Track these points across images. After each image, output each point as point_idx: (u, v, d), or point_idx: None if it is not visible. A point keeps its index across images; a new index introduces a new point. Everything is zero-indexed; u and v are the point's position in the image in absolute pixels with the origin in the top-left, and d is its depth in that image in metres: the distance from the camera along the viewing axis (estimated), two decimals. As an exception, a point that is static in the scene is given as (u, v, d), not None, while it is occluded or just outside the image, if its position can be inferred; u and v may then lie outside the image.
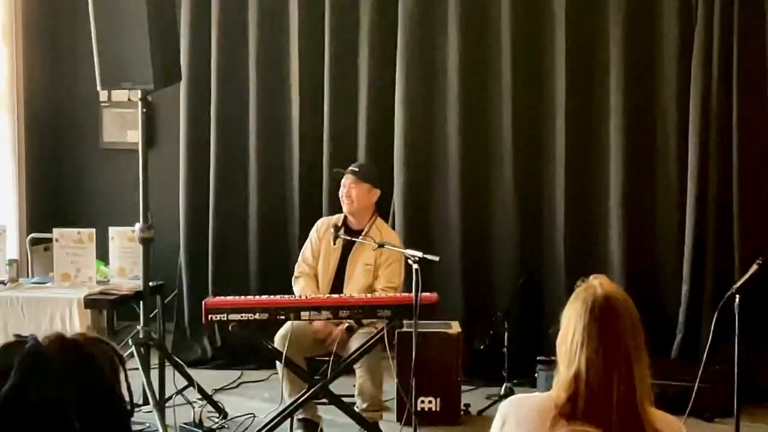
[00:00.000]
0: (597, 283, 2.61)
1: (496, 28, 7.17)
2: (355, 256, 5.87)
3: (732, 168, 6.78)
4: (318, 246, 5.97)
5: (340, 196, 5.99)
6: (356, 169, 6.01)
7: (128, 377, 1.81)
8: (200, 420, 5.87)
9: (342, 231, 5.81)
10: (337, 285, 5.87)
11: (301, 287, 5.95)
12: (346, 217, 5.97)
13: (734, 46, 6.74)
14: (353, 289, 5.80)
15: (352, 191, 5.91)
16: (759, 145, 6.78)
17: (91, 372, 1.69)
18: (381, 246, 5.58)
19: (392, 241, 5.85)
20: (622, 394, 2.50)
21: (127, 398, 1.75)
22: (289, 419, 5.72)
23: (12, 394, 1.62)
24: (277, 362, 5.65)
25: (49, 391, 1.63)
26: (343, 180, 5.99)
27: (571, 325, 2.57)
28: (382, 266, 5.85)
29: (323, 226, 6.03)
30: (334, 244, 5.82)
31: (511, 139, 7.16)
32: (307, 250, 6.05)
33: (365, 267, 5.85)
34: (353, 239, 5.79)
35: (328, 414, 5.85)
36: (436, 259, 5.35)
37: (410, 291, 5.18)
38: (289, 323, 5.65)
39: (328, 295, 5.65)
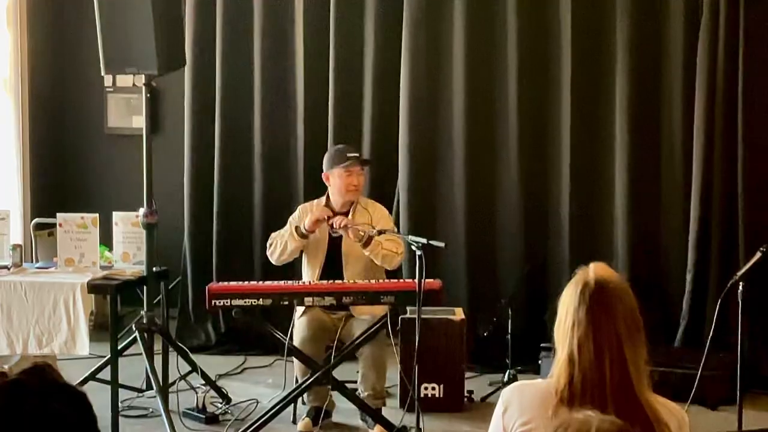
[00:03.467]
0: (591, 268, 2.62)
1: (503, 12, 7.14)
2: (348, 237, 5.77)
3: (737, 156, 6.75)
4: None
5: (346, 184, 5.80)
6: (357, 154, 5.93)
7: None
8: (203, 405, 5.89)
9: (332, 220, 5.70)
10: (329, 268, 5.77)
11: (277, 243, 5.81)
12: (327, 198, 5.88)
13: (740, 33, 6.70)
14: (354, 271, 5.74)
15: (361, 180, 5.85)
16: (765, 133, 6.75)
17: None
18: (381, 233, 5.57)
19: (381, 214, 5.86)
20: (615, 376, 2.50)
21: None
22: (292, 405, 5.74)
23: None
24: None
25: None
26: (353, 168, 5.81)
27: (564, 309, 2.59)
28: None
29: (305, 210, 5.89)
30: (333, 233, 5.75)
31: (517, 127, 7.14)
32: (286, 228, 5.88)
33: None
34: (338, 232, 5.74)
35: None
36: (442, 245, 5.34)
37: (413, 273, 5.17)
38: (303, 318, 5.67)
39: (332, 281, 5.63)
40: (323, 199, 5.92)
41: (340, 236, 5.77)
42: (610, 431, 1.74)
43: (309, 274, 5.83)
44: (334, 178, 5.82)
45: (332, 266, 5.78)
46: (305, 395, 5.79)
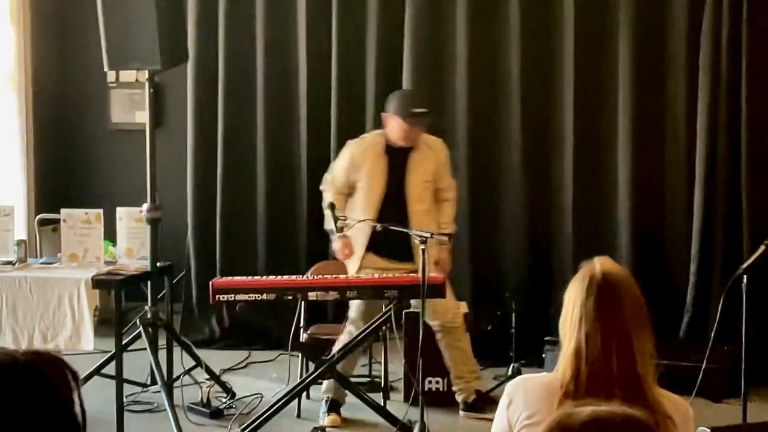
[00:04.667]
0: (596, 262, 2.63)
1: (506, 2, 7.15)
2: (414, 175, 5.77)
3: (741, 147, 6.74)
4: (353, 174, 5.78)
5: (403, 137, 5.72)
6: (426, 111, 5.76)
7: (81, 395, 1.74)
8: (208, 400, 5.89)
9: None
10: (390, 202, 5.74)
11: (330, 199, 5.77)
12: (385, 136, 5.80)
13: (743, 15, 6.69)
14: (417, 208, 5.74)
15: (420, 133, 5.77)
16: (768, 124, 6.75)
17: (43, 392, 1.65)
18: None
19: (441, 146, 5.91)
20: (623, 369, 2.51)
21: (80, 417, 1.70)
22: (296, 400, 5.75)
23: None
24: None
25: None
26: (416, 124, 5.70)
27: (570, 303, 2.60)
28: (441, 178, 5.87)
29: (359, 150, 5.81)
30: (337, 231, 5.70)
31: (520, 119, 7.14)
32: (338, 170, 5.86)
33: (425, 184, 5.80)
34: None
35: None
36: (445, 239, 5.34)
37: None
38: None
39: (336, 275, 5.62)
40: (377, 135, 5.84)
41: (404, 173, 5.75)
42: (610, 419, 1.72)
43: (368, 206, 5.74)
44: (393, 125, 5.74)
45: (394, 195, 5.76)
46: (322, 390, 5.81)
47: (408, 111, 5.69)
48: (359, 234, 5.76)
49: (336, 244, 5.81)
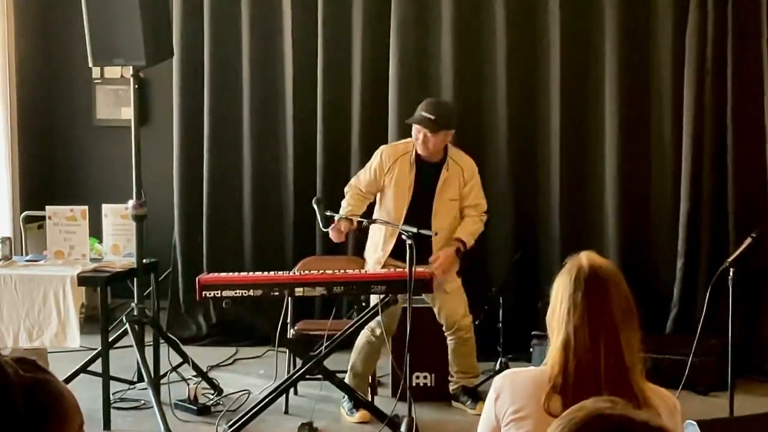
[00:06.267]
0: (583, 256, 2.63)
1: (491, 7, 7.12)
2: (442, 192, 5.81)
3: (727, 143, 6.75)
4: (381, 177, 5.78)
5: (414, 138, 5.76)
6: (431, 117, 5.67)
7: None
8: (195, 397, 5.88)
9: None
10: (414, 214, 5.74)
11: (348, 202, 5.80)
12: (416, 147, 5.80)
13: (728, 16, 6.70)
14: (441, 224, 5.75)
15: (428, 142, 5.71)
16: (753, 119, 6.75)
17: None
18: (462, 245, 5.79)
19: (470, 166, 5.92)
20: (611, 362, 2.51)
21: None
22: (283, 396, 5.74)
23: None
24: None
25: None
26: (419, 126, 5.71)
27: (558, 296, 2.60)
28: (467, 197, 5.88)
29: (390, 156, 5.81)
30: (359, 230, 5.79)
31: (506, 114, 7.13)
32: (365, 175, 5.85)
33: (450, 203, 5.83)
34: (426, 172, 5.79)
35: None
36: (431, 233, 5.34)
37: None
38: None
39: (323, 271, 5.62)
40: (409, 144, 5.82)
41: (432, 188, 5.79)
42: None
43: (392, 215, 5.76)
44: (413, 130, 5.80)
45: (418, 208, 5.79)
46: (347, 379, 5.83)
47: (416, 116, 5.72)
48: (379, 237, 5.79)
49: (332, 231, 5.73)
